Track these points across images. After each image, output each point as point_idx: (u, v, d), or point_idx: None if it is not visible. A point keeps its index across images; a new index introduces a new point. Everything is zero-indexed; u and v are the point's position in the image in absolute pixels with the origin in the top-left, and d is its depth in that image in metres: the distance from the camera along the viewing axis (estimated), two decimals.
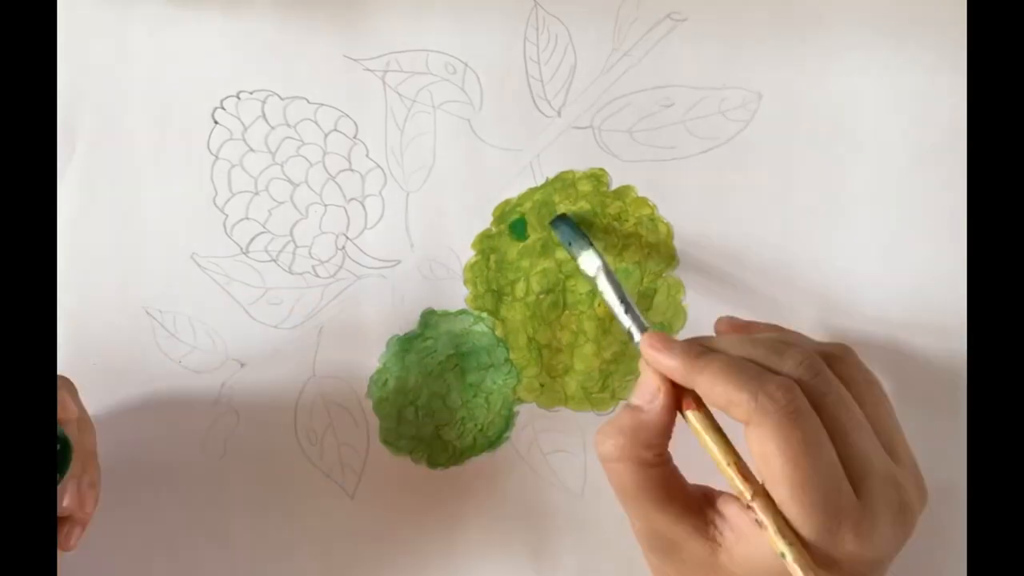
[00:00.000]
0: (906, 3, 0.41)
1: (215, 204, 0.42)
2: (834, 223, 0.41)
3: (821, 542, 0.30)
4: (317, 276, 0.42)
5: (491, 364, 0.42)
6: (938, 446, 0.41)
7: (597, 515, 0.41)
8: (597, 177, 0.41)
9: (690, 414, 0.33)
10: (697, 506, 0.33)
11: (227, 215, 0.42)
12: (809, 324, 0.41)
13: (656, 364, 0.34)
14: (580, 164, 0.41)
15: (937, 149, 0.41)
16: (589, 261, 0.38)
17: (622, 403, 0.41)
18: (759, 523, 0.31)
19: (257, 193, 0.42)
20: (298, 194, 0.42)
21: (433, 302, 0.42)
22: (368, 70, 0.42)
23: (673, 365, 0.33)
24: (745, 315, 0.40)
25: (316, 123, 0.42)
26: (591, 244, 0.39)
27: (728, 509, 0.33)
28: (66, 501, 0.36)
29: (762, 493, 0.31)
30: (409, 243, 0.42)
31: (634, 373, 0.42)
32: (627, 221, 0.41)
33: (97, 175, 0.42)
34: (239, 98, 0.42)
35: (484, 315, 0.42)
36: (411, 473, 0.42)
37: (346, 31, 0.42)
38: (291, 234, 0.42)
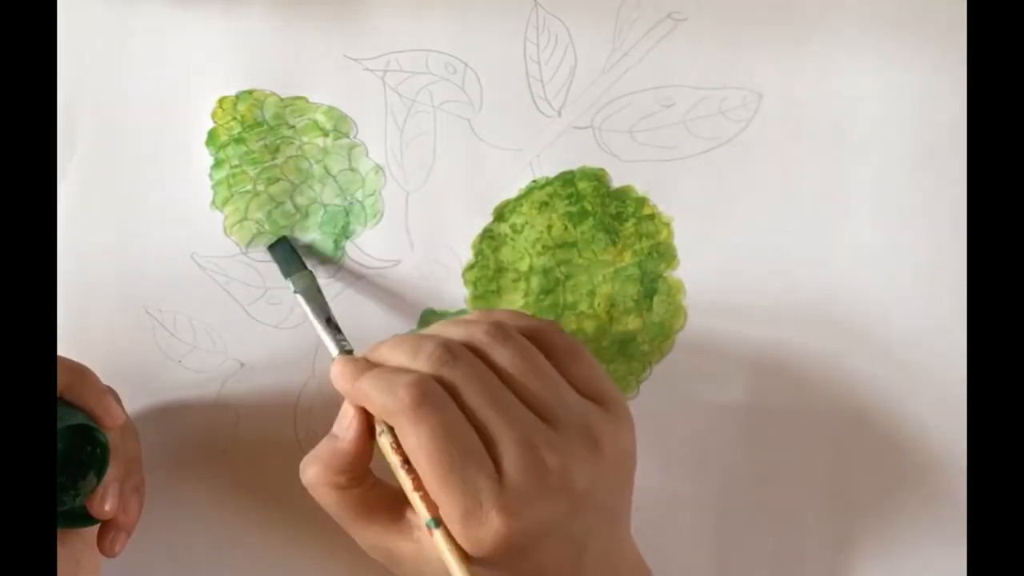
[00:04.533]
0: (906, 3, 0.41)
1: (214, 204, 0.42)
2: (834, 223, 0.41)
3: (471, 527, 0.31)
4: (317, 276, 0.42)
5: None
6: (938, 446, 0.41)
7: None
8: (597, 177, 0.41)
9: (381, 439, 0.34)
10: (400, 513, 0.34)
11: (226, 215, 0.42)
12: (809, 324, 0.41)
13: (336, 385, 0.35)
14: (580, 164, 0.41)
15: (937, 149, 0.41)
16: (299, 281, 0.40)
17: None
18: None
19: (257, 193, 0.42)
20: (298, 194, 0.42)
21: (433, 302, 0.42)
22: (368, 70, 0.42)
23: (343, 388, 0.35)
24: (745, 314, 0.41)
25: (316, 123, 0.42)
26: (305, 266, 0.40)
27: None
28: (108, 505, 0.36)
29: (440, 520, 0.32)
30: (409, 243, 0.42)
31: (634, 373, 0.42)
32: (627, 221, 0.41)
33: (97, 175, 0.42)
34: (239, 98, 0.42)
35: None
36: None
37: (346, 31, 0.42)
38: (291, 234, 0.42)
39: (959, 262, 0.41)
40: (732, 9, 0.41)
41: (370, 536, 0.35)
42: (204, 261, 0.42)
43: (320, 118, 0.42)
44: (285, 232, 0.42)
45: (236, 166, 0.42)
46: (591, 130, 0.41)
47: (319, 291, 0.39)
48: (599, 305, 0.41)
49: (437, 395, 0.32)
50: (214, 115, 0.42)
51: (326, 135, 0.42)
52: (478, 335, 0.34)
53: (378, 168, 0.42)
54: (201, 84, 0.42)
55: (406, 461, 0.33)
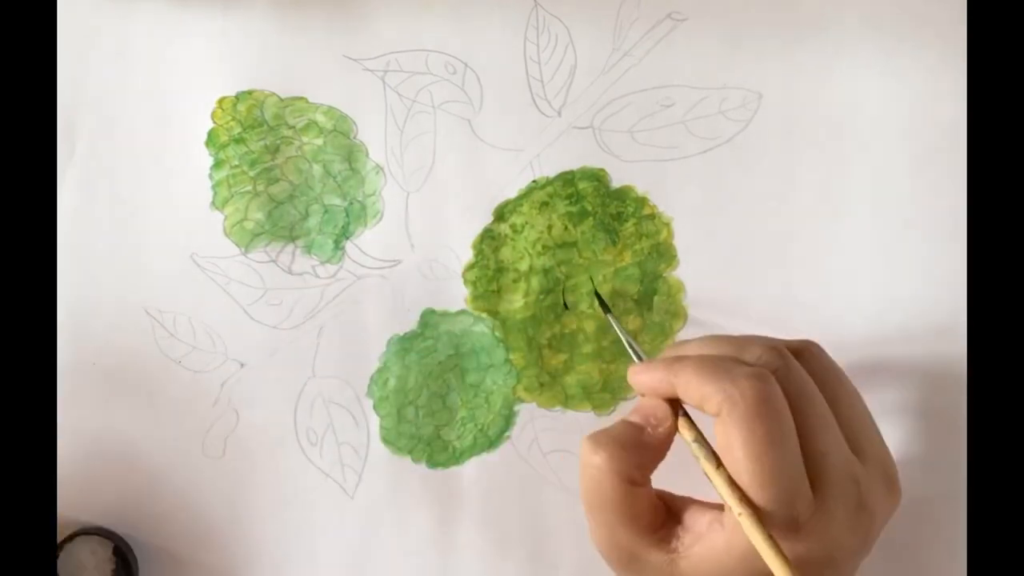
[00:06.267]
0: (906, 3, 0.41)
1: (214, 204, 0.42)
2: (834, 223, 0.41)
3: (778, 537, 0.30)
4: (317, 276, 0.42)
5: (491, 364, 0.42)
6: (938, 449, 0.41)
7: None
8: (597, 177, 0.41)
9: (683, 430, 0.33)
10: (660, 519, 0.33)
11: (226, 215, 0.42)
12: (808, 325, 0.41)
13: (644, 387, 0.34)
14: (580, 164, 0.41)
15: (937, 149, 0.41)
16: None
17: (623, 404, 0.41)
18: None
19: (257, 193, 0.42)
20: (298, 194, 0.42)
21: (433, 302, 0.42)
22: (368, 70, 0.42)
23: (657, 377, 0.33)
24: (745, 314, 0.41)
25: (316, 123, 0.42)
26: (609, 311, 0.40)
27: (688, 514, 0.33)
28: None
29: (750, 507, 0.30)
30: (409, 243, 0.42)
31: None
32: (627, 221, 0.41)
33: (97, 175, 0.42)
34: (239, 98, 0.42)
35: (484, 315, 0.42)
36: (411, 473, 0.42)
37: (346, 31, 0.42)
38: (291, 234, 0.42)
39: (959, 262, 0.41)
40: (732, 9, 0.41)
41: (624, 536, 0.33)
42: (204, 261, 0.42)
43: (320, 118, 0.42)
44: (284, 231, 0.42)
45: (236, 166, 0.42)
46: (591, 130, 0.41)
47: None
48: (599, 306, 0.41)
49: (779, 395, 0.30)
50: (214, 115, 0.42)
51: (326, 135, 0.42)
52: (765, 356, 0.32)
53: (378, 168, 0.42)
54: (201, 84, 0.42)
55: (711, 452, 0.31)
